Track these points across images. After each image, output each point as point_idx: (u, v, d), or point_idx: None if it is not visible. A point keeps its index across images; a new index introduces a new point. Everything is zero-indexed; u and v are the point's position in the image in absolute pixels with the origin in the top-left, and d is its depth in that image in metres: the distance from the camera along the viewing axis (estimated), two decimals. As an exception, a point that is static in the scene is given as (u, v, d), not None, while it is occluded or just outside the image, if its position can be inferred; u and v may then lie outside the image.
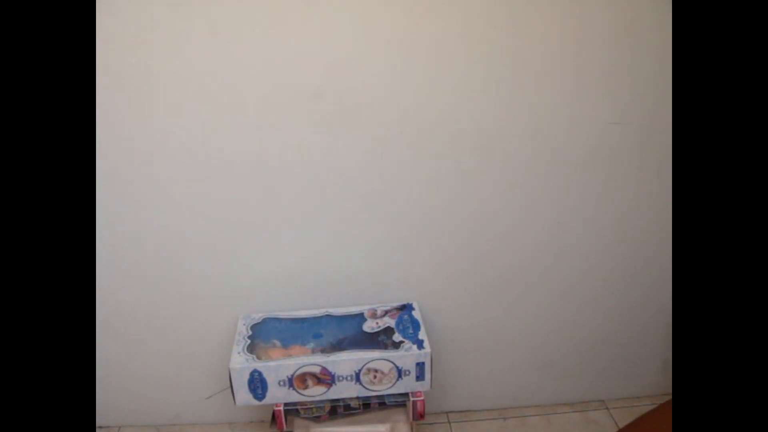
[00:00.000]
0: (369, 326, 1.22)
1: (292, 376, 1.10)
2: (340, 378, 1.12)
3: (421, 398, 1.16)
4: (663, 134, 1.24)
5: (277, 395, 1.12)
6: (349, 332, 1.21)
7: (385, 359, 1.11)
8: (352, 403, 1.18)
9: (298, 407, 1.16)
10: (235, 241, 1.29)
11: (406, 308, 1.28)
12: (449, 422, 1.50)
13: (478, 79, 1.16)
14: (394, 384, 1.14)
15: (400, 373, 1.13)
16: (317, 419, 1.18)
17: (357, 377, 1.12)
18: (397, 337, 1.18)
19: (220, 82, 1.13)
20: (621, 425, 1.39)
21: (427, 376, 1.15)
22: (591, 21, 1.13)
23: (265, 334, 1.22)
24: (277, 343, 1.18)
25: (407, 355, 1.12)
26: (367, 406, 1.18)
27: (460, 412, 1.52)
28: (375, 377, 1.13)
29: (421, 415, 1.17)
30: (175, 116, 1.16)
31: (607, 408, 1.53)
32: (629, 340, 1.45)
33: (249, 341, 1.19)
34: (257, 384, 1.11)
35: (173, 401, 1.47)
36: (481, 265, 1.35)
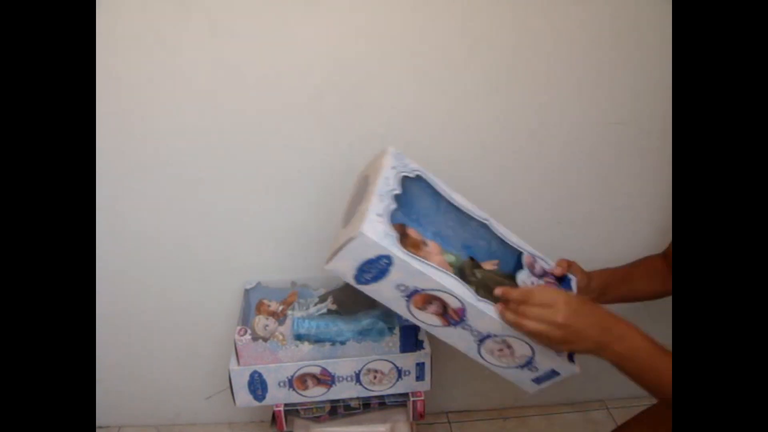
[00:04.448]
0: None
1: (292, 377, 1.10)
2: (340, 378, 1.12)
3: (421, 398, 1.16)
4: (663, 134, 1.24)
5: (277, 396, 1.12)
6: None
7: (384, 359, 1.11)
8: (352, 403, 1.18)
9: (299, 407, 1.16)
10: (236, 242, 1.29)
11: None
12: (449, 422, 1.50)
13: (478, 80, 1.16)
14: (394, 384, 1.14)
15: (400, 373, 1.13)
16: (317, 419, 1.18)
17: (357, 378, 1.12)
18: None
19: (220, 82, 1.14)
20: (621, 425, 1.39)
21: (427, 376, 1.15)
22: (591, 21, 1.13)
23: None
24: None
25: (407, 355, 1.12)
26: (367, 406, 1.18)
27: (460, 412, 1.52)
28: (375, 377, 1.13)
29: (421, 415, 1.17)
30: (174, 116, 1.16)
31: (607, 408, 1.53)
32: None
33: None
34: (257, 385, 1.11)
35: (173, 401, 1.47)
36: (481, 265, 1.35)
